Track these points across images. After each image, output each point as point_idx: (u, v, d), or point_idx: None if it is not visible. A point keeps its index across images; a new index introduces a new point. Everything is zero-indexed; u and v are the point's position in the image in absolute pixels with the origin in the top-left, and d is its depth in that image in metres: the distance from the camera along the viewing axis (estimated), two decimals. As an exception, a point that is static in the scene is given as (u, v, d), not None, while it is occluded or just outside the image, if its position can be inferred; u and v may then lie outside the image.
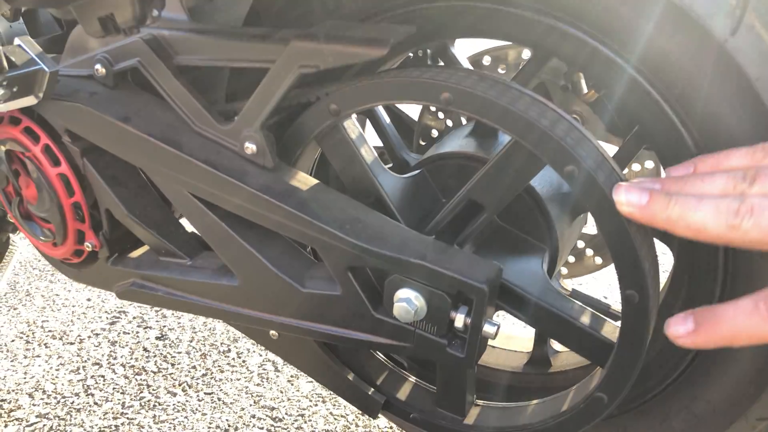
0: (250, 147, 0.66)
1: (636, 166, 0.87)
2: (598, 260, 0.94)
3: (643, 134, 0.71)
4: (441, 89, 0.57)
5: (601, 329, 0.63)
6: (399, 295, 0.63)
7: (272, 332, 0.79)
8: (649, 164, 0.86)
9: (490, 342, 0.94)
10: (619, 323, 0.60)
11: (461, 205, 0.65)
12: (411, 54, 0.91)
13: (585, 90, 0.81)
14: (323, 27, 0.61)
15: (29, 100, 0.70)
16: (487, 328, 0.62)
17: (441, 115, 0.95)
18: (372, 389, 0.79)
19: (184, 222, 0.86)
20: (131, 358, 1.24)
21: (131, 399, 1.11)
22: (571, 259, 0.96)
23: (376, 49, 0.56)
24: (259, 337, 0.81)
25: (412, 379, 0.81)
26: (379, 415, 1.07)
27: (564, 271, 0.98)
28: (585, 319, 0.64)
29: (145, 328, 1.35)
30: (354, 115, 0.68)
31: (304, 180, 0.68)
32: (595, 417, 0.65)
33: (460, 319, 0.62)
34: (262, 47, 0.63)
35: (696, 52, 0.55)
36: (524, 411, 0.73)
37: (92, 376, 1.18)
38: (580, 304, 0.65)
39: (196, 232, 0.77)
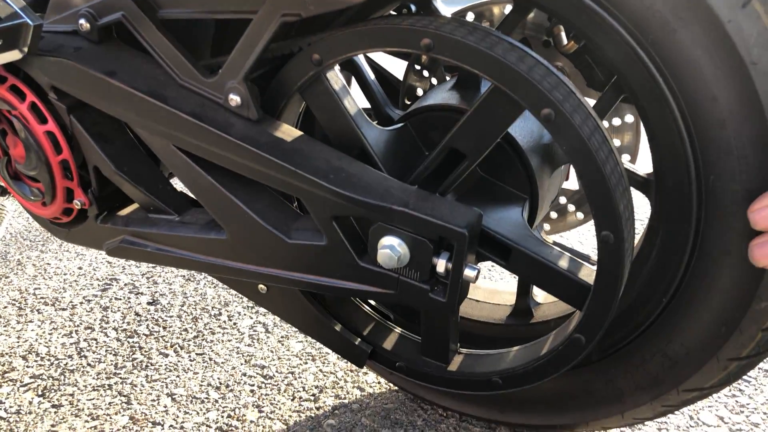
0: (235, 99, 0.67)
1: (616, 121, 0.88)
2: (580, 215, 0.96)
3: (620, 84, 0.72)
4: (421, 35, 0.58)
5: (578, 273, 0.65)
6: (383, 243, 0.65)
7: (261, 286, 0.81)
8: (629, 118, 0.87)
9: (475, 297, 0.97)
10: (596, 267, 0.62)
11: (443, 153, 0.66)
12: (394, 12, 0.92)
13: (565, 42, 0.82)
14: (305, -24, 0.62)
15: (14, 55, 0.71)
16: (468, 272, 0.63)
17: (426, 73, 0.96)
18: (359, 339, 0.81)
19: (172, 179, 0.87)
20: (123, 323, 1.25)
21: (123, 360, 1.13)
22: (554, 215, 0.98)
23: (356, -5, 0.57)
24: (248, 291, 0.83)
25: (398, 329, 0.83)
26: (367, 372, 1.09)
27: (547, 227, 1.00)
28: (563, 264, 0.66)
29: (136, 294, 1.36)
30: (337, 67, 0.68)
31: (288, 131, 0.69)
32: (573, 358, 0.67)
33: (441, 264, 0.64)
34: (245, -2, 0.64)
35: (669, -4, 0.56)
36: (506, 357, 0.75)
37: (85, 340, 1.20)
38: (558, 249, 0.67)
39: (183, 188, 0.78)
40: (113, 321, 1.26)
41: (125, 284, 1.41)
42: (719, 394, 1.04)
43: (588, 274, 0.65)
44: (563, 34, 0.83)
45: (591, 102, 0.83)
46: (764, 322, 0.66)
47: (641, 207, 1.64)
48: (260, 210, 0.72)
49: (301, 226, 0.72)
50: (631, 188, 0.82)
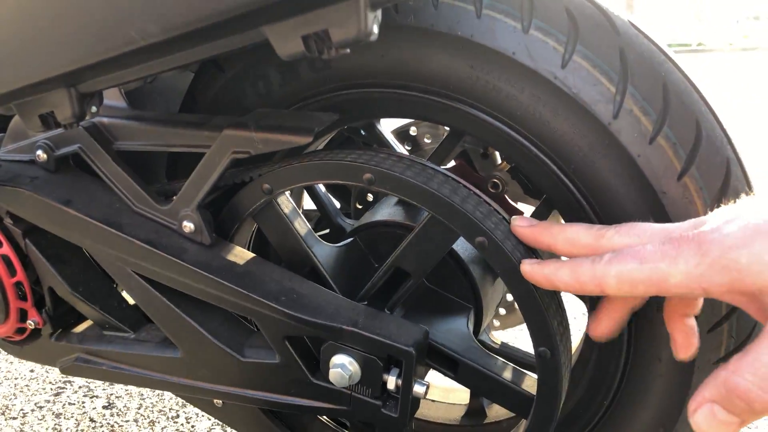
0: (188, 226, 0.70)
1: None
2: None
3: (551, 202, 0.78)
4: (363, 171, 0.63)
5: (521, 383, 0.68)
6: (334, 361, 0.67)
7: (216, 401, 0.81)
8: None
9: (431, 396, 0.99)
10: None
11: (389, 272, 0.70)
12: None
13: (499, 161, 0.88)
14: (253, 115, 0.67)
15: (-29, 188, 0.73)
16: (417, 389, 0.66)
17: (375, 180, 1.00)
18: (316, 451, 0.82)
19: (127, 295, 0.88)
20: (76, 430, 1.22)
21: (77, 473, 1.10)
22: (503, 311, 1.02)
23: (302, 137, 0.62)
24: (205, 405, 0.83)
25: (355, 438, 0.84)
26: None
27: (496, 323, 1.03)
28: (507, 374, 0.69)
29: (91, 398, 1.34)
30: (287, 191, 0.72)
31: (240, 254, 0.71)
32: (523, 466, 0.69)
33: (392, 381, 0.66)
34: (198, 134, 0.68)
35: (586, 132, 0.62)
36: (460, 463, 0.77)
37: (36, 452, 1.17)
38: (503, 360, 0.70)
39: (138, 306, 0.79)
40: (66, 429, 1.23)
41: (79, 387, 1.38)
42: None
43: (531, 384, 0.68)
44: (497, 154, 0.89)
45: (527, 208, 0.89)
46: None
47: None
48: (213, 329, 0.74)
49: (254, 343, 0.74)
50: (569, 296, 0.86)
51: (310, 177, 0.66)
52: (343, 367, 0.66)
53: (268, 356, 0.72)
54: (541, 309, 0.61)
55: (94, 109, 0.59)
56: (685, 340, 0.58)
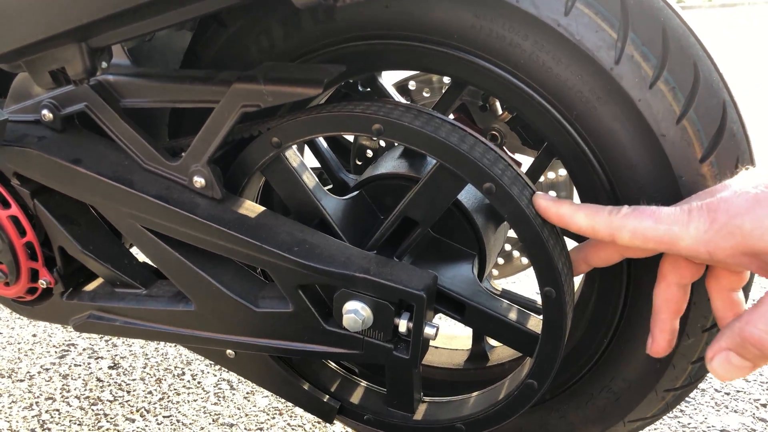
0: (199, 181, 0.71)
1: (551, 174, 0.96)
2: (524, 260, 1.03)
3: (551, 149, 0.80)
4: (372, 121, 0.64)
5: (527, 323, 0.71)
6: (347, 308, 0.70)
7: (229, 351, 0.84)
8: (563, 172, 0.96)
9: (434, 343, 1.02)
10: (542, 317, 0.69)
11: (397, 222, 0.72)
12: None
13: (500, 112, 0.90)
14: (262, 69, 0.67)
15: (-20, 148, 0.73)
16: (428, 331, 0.69)
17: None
18: (327, 396, 0.85)
19: (137, 253, 0.90)
20: (85, 390, 1.25)
21: (89, 429, 1.13)
22: (501, 261, 1.05)
23: (311, 89, 0.63)
24: (217, 357, 0.86)
25: (364, 383, 0.87)
26: (335, 422, 1.12)
27: (495, 272, 1.06)
28: (512, 316, 0.72)
29: (96, 359, 1.36)
30: (294, 145, 0.74)
31: (251, 208, 0.73)
32: (528, 401, 0.73)
33: (403, 325, 0.69)
34: (206, 89, 0.69)
35: (588, 78, 0.64)
36: (467, 403, 0.80)
37: (47, 411, 1.19)
38: (508, 302, 0.73)
39: (148, 262, 0.81)
40: (74, 389, 1.26)
41: (84, 349, 1.40)
42: (663, 417, 1.11)
43: (535, 324, 0.71)
44: (498, 105, 0.91)
45: (527, 159, 0.91)
46: (692, 357, 0.73)
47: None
48: (227, 282, 0.76)
49: (267, 294, 0.76)
50: (570, 239, 0.89)
51: (318, 129, 0.67)
52: (356, 312, 0.69)
53: (281, 306, 0.74)
54: (548, 250, 0.63)
55: (104, 64, 0.60)
56: (726, 311, 0.59)
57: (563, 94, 0.66)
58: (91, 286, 0.86)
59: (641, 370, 0.76)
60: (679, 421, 1.10)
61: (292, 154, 0.72)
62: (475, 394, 0.81)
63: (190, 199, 0.72)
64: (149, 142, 0.73)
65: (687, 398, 1.15)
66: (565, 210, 0.58)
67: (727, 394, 1.17)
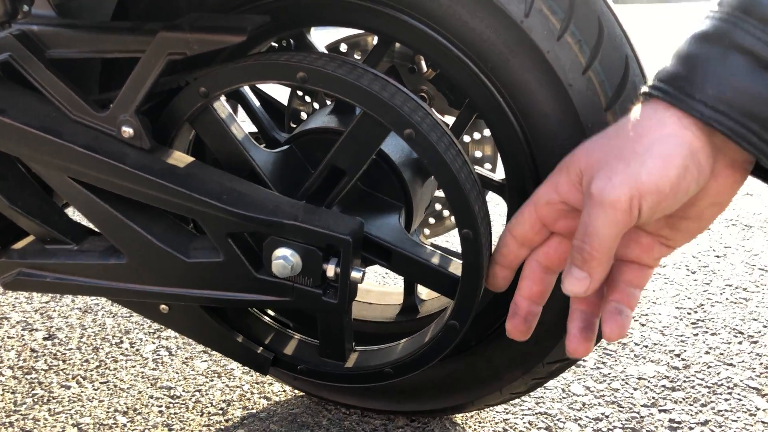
0: (127, 131, 0.72)
1: (477, 135, 1.01)
2: (454, 220, 1.07)
3: (472, 105, 0.84)
4: (297, 69, 0.66)
5: (448, 267, 0.75)
6: (276, 254, 0.72)
7: (162, 306, 0.85)
8: (487, 132, 1.00)
9: (368, 300, 1.05)
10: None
11: (326, 171, 0.75)
12: (275, 44, 1.00)
13: (425, 69, 0.93)
14: (187, 18, 0.69)
15: None
16: (355, 274, 0.72)
17: (308, 99, 1.04)
18: (260, 348, 0.87)
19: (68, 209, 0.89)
20: (19, 360, 1.23)
21: (23, 397, 1.12)
22: (432, 220, 1.09)
23: (235, 36, 0.65)
24: (151, 312, 0.87)
25: (297, 336, 0.90)
26: (273, 382, 1.15)
27: (427, 231, 1.10)
28: (435, 260, 0.75)
29: (30, 331, 1.34)
30: (223, 97, 0.75)
31: (180, 158, 0.74)
32: (451, 342, 0.77)
33: (331, 270, 0.72)
34: (132, 38, 0.70)
35: (501, 31, 0.68)
36: (395, 349, 0.84)
37: (-22, 382, 1.17)
38: (431, 248, 0.77)
39: (79, 218, 0.81)
40: (7, 360, 1.24)
41: (17, 322, 1.38)
42: (586, 368, 1.18)
43: (456, 267, 0.75)
44: (423, 63, 0.94)
45: (453, 119, 0.95)
46: (602, 297, 0.78)
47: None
48: (158, 233, 0.77)
49: (198, 245, 0.77)
50: (490, 192, 0.94)
51: (245, 78, 0.69)
52: (285, 258, 0.71)
53: (212, 256, 0.76)
54: (465, 194, 0.67)
55: (25, 8, 0.60)
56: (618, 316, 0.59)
57: (479, 47, 0.69)
58: (20, 244, 0.86)
59: (558, 311, 0.81)
60: (600, 372, 1.17)
61: (220, 106, 0.74)
62: (403, 341, 0.85)
63: (118, 149, 0.73)
64: (77, 93, 0.73)
65: (608, 351, 1.23)
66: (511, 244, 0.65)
67: (645, 346, 1.24)
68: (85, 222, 0.83)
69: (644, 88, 0.53)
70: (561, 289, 0.59)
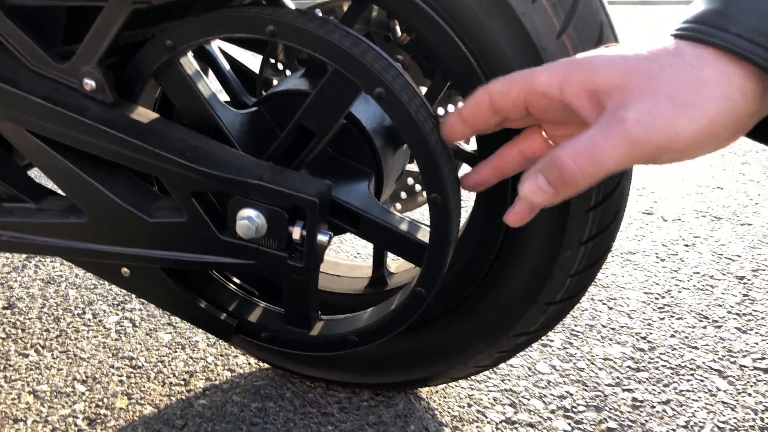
0: (89, 83, 0.70)
1: (451, 108, 1.00)
2: (423, 185, 1.06)
3: (446, 71, 0.83)
4: (267, 22, 0.64)
5: (416, 234, 0.74)
6: (241, 215, 0.70)
7: (124, 269, 0.83)
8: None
9: (336, 273, 1.04)
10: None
11: (294, 131, 0.73)
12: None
13: (399, 34, 0.92)
14: (154, -33, 0.66)
15: None
16: (321, 237, 0.70)
17: (280, 66, 1.02)
18: (224, 315, 0.85)
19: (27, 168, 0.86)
20: (-24, 329, 1.20)
21: (-22, 365, 1.09)
22: (404, 195, 1.08)
23: (203, -15, 0.63)
24: (112, 275, 0.84)
25: (263, 304, 0.88)
26: (237, 355, 1.13)
27: (399, 206, 1.09)
28: (404, 227, 0.74)
29: (-11, 301, 1.30)
30: (191, 54, 0.73)
31: (144, 114, 0.72)
32: (417, 309, 0.76)
33: (297, 232, 0.70)
34: (96, -14, 0.67)
35: (476, -8, 0.67)
36: (361, 317, 0.83)
37: (-68, 349, 1.14)
38: (399, 215, 0.76)
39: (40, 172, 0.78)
40: (-36, 328, 1.20)
41: (-24, 291, 1.34)
42: (552, 347, 1.18)
43: (424, 234, 0.74)
44: (398, 28, 0.93)
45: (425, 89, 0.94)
46: (570, 269, 0.78)
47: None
48: (120, 192, 0.75)
49: (161, 205, 0.75)
50: (462, 163, 0.93)
51: (212, 31, 0.67)
52: (249, 219, 0.70)
53: (175, 215, 0.74)
54: (434, 157, 0.66)
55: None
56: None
57: (454, 8, 0.68)
58: (-25, 202, 0.83)
59: (524, 283, 0.81)
60: (567, 351, 1.17)
61: (186, 62, 0.72)
62: (369, 309, 0.84)
63: (80, 102, 0.70)
64: (37, 43, 0.70)
65: (575, 332, 1.23)
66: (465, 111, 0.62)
67: (612, 329, 1.25)
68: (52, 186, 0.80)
69: (674, 31, 0.48)
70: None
